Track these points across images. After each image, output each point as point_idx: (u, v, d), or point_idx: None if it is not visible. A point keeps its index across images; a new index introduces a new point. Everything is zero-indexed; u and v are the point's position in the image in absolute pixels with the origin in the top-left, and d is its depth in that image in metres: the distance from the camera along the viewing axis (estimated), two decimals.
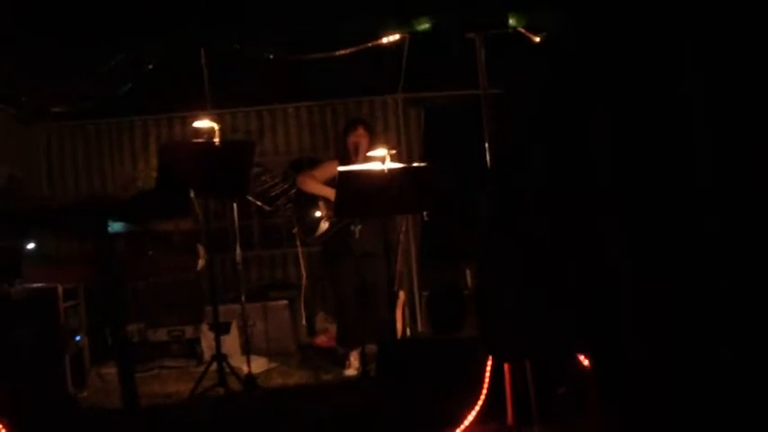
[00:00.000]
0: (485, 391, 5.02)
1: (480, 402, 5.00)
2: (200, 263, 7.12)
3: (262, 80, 8.20)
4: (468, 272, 8.96)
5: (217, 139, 5.86)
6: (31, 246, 6.19)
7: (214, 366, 6.33)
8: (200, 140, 5.99)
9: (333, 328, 7.89)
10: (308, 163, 9.17)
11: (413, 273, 9.00)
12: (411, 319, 8.78)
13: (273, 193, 8.99)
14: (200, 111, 8.87)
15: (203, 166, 5.68)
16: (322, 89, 8.86)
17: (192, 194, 5.09)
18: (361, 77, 8.43)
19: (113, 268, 5.42)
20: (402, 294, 8.11)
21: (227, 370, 6.35)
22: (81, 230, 5.46)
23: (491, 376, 5.05)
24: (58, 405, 5.92)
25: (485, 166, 6.32)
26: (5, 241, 6.15)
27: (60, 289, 6.27)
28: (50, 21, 6.21)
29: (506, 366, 4.96)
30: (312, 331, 8.57)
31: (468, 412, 4.96)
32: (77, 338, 6.77)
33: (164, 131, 9.10)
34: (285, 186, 8.98)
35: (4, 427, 5.21)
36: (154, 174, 6.98)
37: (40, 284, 6.23)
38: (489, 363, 5.07)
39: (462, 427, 4.92)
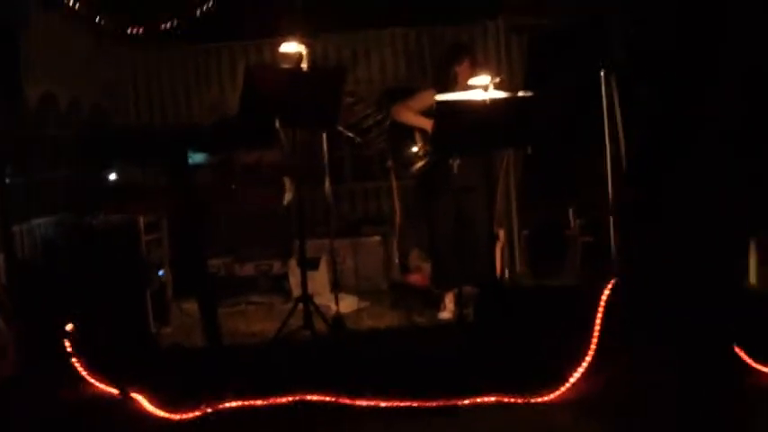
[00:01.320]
0: (593, 347, 4.60)
1: (588, 359, 4.58)
2: (287, 196, 6.78)
3: (356, 3, 7.79)
4: (571, 211, 8.48)
5: (305, 65, 5.46)
6: (113, 176, 5.92)
7: (301, 306, 5.99)
8: (288, 66, 5.60)
9: (427, 267, 7.51)
10: (404, 93, 8.73)
11: (513, 210, 8.52)
12: (510, 259, 8.34)
13: (367, 125, 8.60)
14: (291, 36, 8.59)
15: (290, 94, 5.29)
16: (419, 14, 8.37)
17: (277, 124, 4.71)
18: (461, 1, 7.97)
19: (194, 201, 5.15)
20: (501, 234, 7.68)
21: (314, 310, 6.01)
22: (161, 160, 5.19)
23: (600, 329, 4.62)
24: (138, 343, 5.70)
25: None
26: (87, 172, 5.93)
27: (142, 222, 6.01)
28: None
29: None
30: (405, 269, 8.19)
31: (575, 368, 4.55)
32: (161, 273, 6.52)
33: (252, 58, 8.70)
34: (379, 117, 8.58)
35: (82, 365, 5.03)
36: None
37: (121, 217, 5.97)
38: (600, 315, 4.63)
39: (567, 384, 4.51)
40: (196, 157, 4.95)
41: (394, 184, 7.12)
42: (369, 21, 8.56)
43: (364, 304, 7.36)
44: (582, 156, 7.26)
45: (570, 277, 7.94)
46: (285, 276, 7.75)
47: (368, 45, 8.79)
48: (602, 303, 4.67)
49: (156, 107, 8.75)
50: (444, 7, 8.19)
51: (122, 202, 5.69)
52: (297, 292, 7.28)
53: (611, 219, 4.69)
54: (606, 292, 4.66)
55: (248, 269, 7.85)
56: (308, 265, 6.45)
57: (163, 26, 6.28)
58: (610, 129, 4.57)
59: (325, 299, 7.16)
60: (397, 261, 8.08)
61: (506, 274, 8.00)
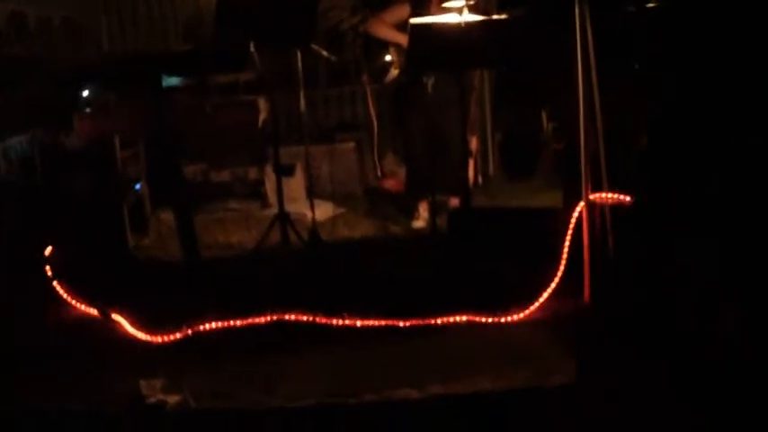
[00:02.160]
0: (562, 267, 4.73)
1: (557, 278, 4.72)
2: (262, 117, 6.78)
3: None
4: (544, 115, 8.54)
5: None
6: (85, 93, 5.90)
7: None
8: None
9: (401, 172, 7.60)
10: None
11: (486, 114, 8.56)
12: (482, 161, 8.42)
13: (341, 29, 8.56)
14: None
15: (264, 13, 5.26)
16: None
17: (252, 47, 4.70)
18: None
19: (169, 123, 5.17)
20: (474, 140, 7.74)
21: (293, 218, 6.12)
22: (135, 84, 5.19)
23: (569, 250, 4.75)
24: (117, 260, 5.78)
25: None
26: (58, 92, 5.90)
27: (117, 138, 6.02)
28: None
29: (586, 240, 4.65)
30: (380, 174, 8.26)
31: (545, 288, 4.69)
32: (137, 187, 6.56)
33: None
34: (354, 21, 8.53)
35: (63, 288, 5.11)
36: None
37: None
38: (569, 236, 4.75)
39: (537, 303, 4.66)
40: (170, 80, 4.95)
41: (368, 89, 7.11)
42: None
43: (340, 211, 7.45)
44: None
45: (542, 181, 8.06)
46: (261, 182, 7.81)
47: None
48: (572, 224, 4.77)
49: (126, 21, 8.67)
50: None
51: (96, 124, 5.68)
52: (273, 198, 7.37)
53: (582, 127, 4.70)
54: (576, 212, 4.76)
55: (224, 175, 7.89)
56: (284, 171, 6.50)
57: None
58: (582, 57, 4.57)
59: (300, 205, 7.25)
60: (378, 172, 8.12)
61: (479, 180, 8.09)
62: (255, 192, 7.82)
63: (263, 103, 6.89)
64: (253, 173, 7.87)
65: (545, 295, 4.69)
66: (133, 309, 4.84)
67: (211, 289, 5.29)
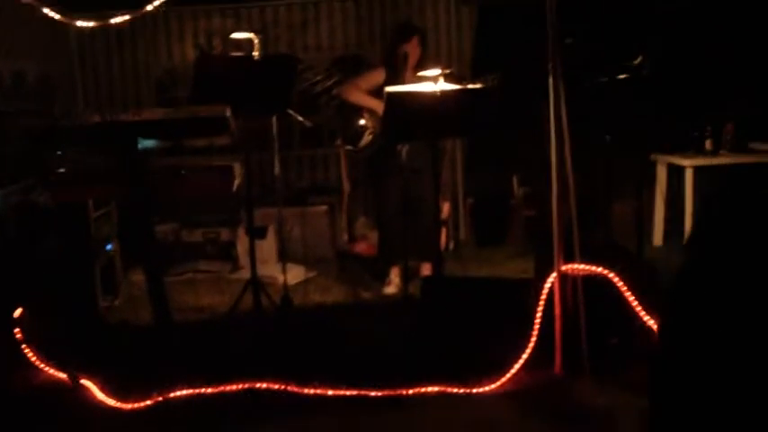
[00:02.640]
0: (534, 338, 4.75)
1: (529, 349, 4.73)
2: (237, 183, 6.80)
3: None
4: (515, 180, 8.64)
5: (256, 53, 5.46)
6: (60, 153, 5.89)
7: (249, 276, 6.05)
8: (239, 54, 5.60)
9: (373, 235, 7.62)
10: (353, 60, 8.75)
11: (458, 179, 8.63)
12: (454, 226, 8.47)
13: (316, 91, 8.63)
14: (241, 2, 8.53)
15: (242, 82, 5.29)
16: None
17: (227, 112, 4.72)
18: None
19: (144, 186, 5.17)
20: (446, 206, 7.81)
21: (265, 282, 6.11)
22: (111, 147, 5.19)
23: (541, 322, 4.77)
24: (88, 324, 5.73)
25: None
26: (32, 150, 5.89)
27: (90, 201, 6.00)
28: None
29: (558, 312, 4.68)
30: (351, 238, 8.29)
31: (516, 358, 4.70)
32: (109, 247, 6.53)
33: (201, 24, 8.66)
34: (328, 84, 8.61)
35: (33, 352, 5.06)
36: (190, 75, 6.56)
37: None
38: (541, 307, 4.78)
39: (509, 374, 4.66)
40: (146, 142, 4.96)
41: (342, 160, 7.17)
42: None
43: (311, 274, 7.45)
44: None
45: (513, 247, 8.12)
46: (233, 244, 7.82)
47: (318, 12, 8.76)
48: (544, 295, 4.80)
49: (102, 76, 8.73)
50: None
51: (70, 188, 5.66)
52: (244, 260, 7.37)
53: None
54: (548, 283, 4.78)
55: (196, 235, 7.90)
56: (256, 233, 6.50)
57: None
58: (555, 121, 4.62)
59: (272, 268, 7.27)
60: (345, 236, 8.17)
61: (450, 246, 8.13)
62: (227, 253, 7.82)
63: (238, 168, 6.92)
64: (225, 234, 7.88)
65: (516, 366, 4.69)
66: (103, 374, 4.80)
67: (183, 354, 5.25)
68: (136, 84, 8.75)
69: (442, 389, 4.60)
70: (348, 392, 4.61)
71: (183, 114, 4.90)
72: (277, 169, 6.22)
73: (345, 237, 8.23)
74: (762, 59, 8.28)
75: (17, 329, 5.00)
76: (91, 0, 6.60)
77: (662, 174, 7.88)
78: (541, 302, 4.79)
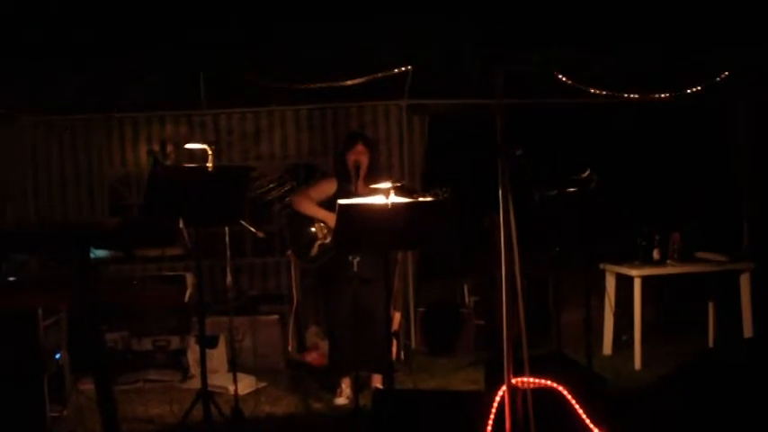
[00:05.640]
0: None
1: None
2: (188, 293, 6.79)
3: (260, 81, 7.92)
4: (466, 288, 8.72)
5: (210, 164, 5.52)
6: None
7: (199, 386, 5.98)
8: (192, 165, 5.66)
9: (324, 345, 7.61)
10: (306, 169, 8.86)
11: (409, 288, 8.69)
12: (405, 335, 8.49)
13: (268, 199, 8.71)
14: (195, 110, 8.64)
15: (195, 193, 5.32)
16: (323, 92, 8.48)
17: (180, 223, 4.75)
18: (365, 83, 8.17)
19: (94, 297, 5.14)
20: (397, 316, 7.83)
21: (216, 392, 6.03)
22: (62, 256, 5.17)
23: None
24: None
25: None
26: None
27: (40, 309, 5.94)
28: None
29: (508, 426, 4.68)
30: (302, 347, 8.27)
31: None
32: (57, 356, 6.45)
33: (155, 130, 8.74)
34: (281, 191, 8.70)
35: None
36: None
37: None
38: (491, 420, 4.78)
39: None
40: (98, 252, 4.95)
41: (293, 270, 7.20)
42: (274, 98, 8.65)
43: (262, 384, 7.40)
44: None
45: (464, 356, 8.14)
46: (183, 352, 7.75)
47: (272, 120, 8.87)
48: (494, 408, 4.80)
49: (54, 178, 8.73)
50: (348, 92, 8.36)
51: (20, 296, 5.61)
52: (195, 369, 7.32)
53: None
54: (498, 396, 4.80)
55: (146, 344, 7.81)
56: (207, 343, 6.46)
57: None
58: (505, 233, 4.69)
59: (222, 378, 7.22)
60: (292, 346, 8.16)
61: (402, 355, 8.13)
62: (177, 361, 7.75)
63: (190, 278, 6.92)
64: (175, 341, 7.80)
65: None
66: None
67: None
68: (90, 192, 8.75)
69: None
70: None
71: (134, 225, 4.90)
72: (229, 278, 6.23)
73: (295, 345, 8.19)
74: (704, 173, 8.54)
75: None
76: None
77: (611, 283, 7.98)
78: (491, 416, 4.79)
